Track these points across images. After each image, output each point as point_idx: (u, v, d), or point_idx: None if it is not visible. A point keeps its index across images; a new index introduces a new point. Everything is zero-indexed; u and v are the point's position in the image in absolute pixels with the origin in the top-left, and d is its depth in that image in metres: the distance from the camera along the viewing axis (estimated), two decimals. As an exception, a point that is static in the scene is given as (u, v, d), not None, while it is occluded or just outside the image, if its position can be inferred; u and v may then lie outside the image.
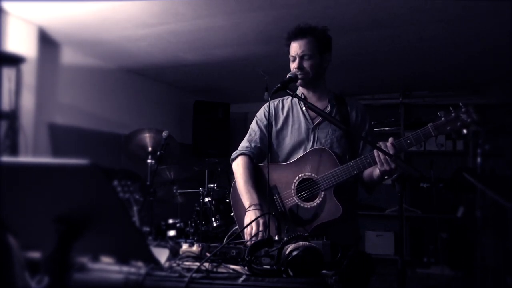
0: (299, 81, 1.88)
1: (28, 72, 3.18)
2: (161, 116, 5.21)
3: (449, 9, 2.96)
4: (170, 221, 3.63)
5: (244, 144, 2.02)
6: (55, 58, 3.83)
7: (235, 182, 1.94)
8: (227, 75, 4.85)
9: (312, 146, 1.88)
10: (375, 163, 1.67)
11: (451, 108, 1.60)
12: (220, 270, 1.23)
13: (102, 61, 4.33)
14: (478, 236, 3.07)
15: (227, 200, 3.73)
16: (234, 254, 1.37)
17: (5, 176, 0.92)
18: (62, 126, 3.82)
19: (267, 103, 1.98)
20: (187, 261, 1.32)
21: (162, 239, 1.51)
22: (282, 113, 1.99)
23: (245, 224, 1.72)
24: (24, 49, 3.20)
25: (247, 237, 1.68)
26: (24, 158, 2.14)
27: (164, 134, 3.32)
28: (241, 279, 1.17)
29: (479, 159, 2.63)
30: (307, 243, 1.25)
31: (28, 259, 1.11)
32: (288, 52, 1.90)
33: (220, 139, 5.37)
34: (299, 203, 1.81)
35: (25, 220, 1.02)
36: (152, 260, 1.04)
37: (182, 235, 3.53)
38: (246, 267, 1.24)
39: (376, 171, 1.72)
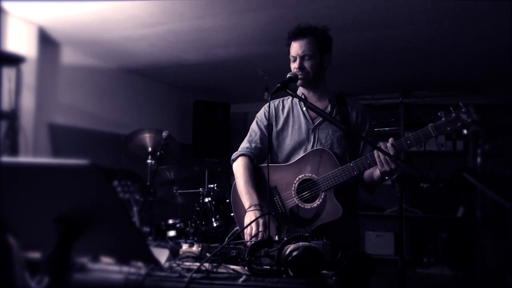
0: (299, 81, 1.88)
1: (28, 72, 3.18)
2: (161, 116, 5.21)
3: (449, 9, 2.97)
4: (170, 221, 3.63)
5: (244, 144, 2.01)
6: (55, 58, 3.83)
7: (235, 182, 1.94)
8: (227, 75, 4.85)
9: (313, 146, 1.88)
10: (375, 164, 1.67)
11: (451, 108, 1.60)
12: (220, 270, 1.23)
13: (102, 61, 4.33)
14: (478, 236, 3.07)
15: (227, 200, 3.73)
16: (234, 254, 1.37)
17: (5, 176, 0.92)
18: (62, 126, 3.82)
19: (268, 103, 1.97)
20: (187, 261, 1.32)
21: (162, 239, 1.51)
22: (283, 114, 1.99)
23: (245, 225, 1.72)
24: (24, 49, 3.20)
25: (247, 237, 1.68)
26: (24, 158, 2.14)
27: (164, 134, 3.32)
28: (241, 279, 1.17)
29: (479, 159, 2.63)
30: (307, 243, 1.25)
31: (28, 259, 1.11)
32: (289, 52, 1.90)
33: (220, 139, 5.37)
34: (300, 204, 1.81)
35: (25, 220, 1.02)
36: (152, 260, 1.04)
37: (182, 235, 3.53)
38: (246, 267, 1.24)
39: (376, 172, 1.71)
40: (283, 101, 2.03)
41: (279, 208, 1.84)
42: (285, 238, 1.33)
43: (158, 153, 3.30)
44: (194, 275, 1.17)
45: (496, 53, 3.86)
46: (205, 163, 4.71)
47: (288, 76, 1.82)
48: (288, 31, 1.90)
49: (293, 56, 1.87)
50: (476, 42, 3.60)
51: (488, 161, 2.72)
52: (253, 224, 1.68)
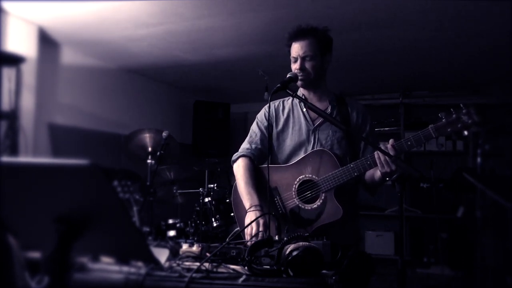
0: (300, 82, 1.88)
1: (28, 72, 3.18)
2: (161, 116, 5.21)
3: (449, 9, 2.96)
4: (170, 221, 3.63)
5: (244, 145, 2.02)
6: (55, 58, 3.83)
7: (236, 183, 1.94)
8: (227, 75, 4.84)
9: (313, 147, 1.88)
10: (376, 165, 1.67)
11: (451, 109, 1.60)
12: (220, 270, 1.24)
13: (102, 61, 4.33)
14: (478, 236, 3.07)
15: (227, 200, 3.73)
16: (234, 254, 1.37)
17: (5, 176, 0.92)
18: (62, 126, 3.82)
19: (268, 104, 1.97)
20: (187, 261, 1.32)
21: (162, 239, 1.51)
22: (283, 115, 1.99)
23: (245, 225, 1.72)
24: (24, 49, 3.19)
25: (247, 237, 1.68)
26: (24, 158, 2.14)
27: (164, 134, 3.32)
28: (241, 279, 1.17)
29: (479, 159, 2.62)
30: (307, 243, 1.25)
31: (28, 259, 1.11)
32: (289, 53, 1.90)
33: (220, 139, 5.37)
34: (300, 205, 1.81)
35: (25, 220, 1.02)
36: (152, 260, 1.04)
37: (182, 235, 3.53)
38: (246, 267, 1.25)
39: (377, 173, 1.72)
40: (283, 102, 2.03)
41: (279, 209, 1.84)
42: (285, 238, 1.33)
43: (158, 153, 3.29)
44: (194, 275, 1.17)
45: (496, 53, 3.85)
46: (205, 163, 4.71)
47: (288, 76, 1.82)
48: (288, 31, 1.89)
49: (294, 57, 1.87)
50: (476, 42, 3.60)
51: (488, 161, 2.72)
52: (254, 224, 1.68)
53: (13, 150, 2.94)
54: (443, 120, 1.60)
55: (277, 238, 1.45)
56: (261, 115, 2.04)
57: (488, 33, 3.38)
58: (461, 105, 1.58)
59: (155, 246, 1.40)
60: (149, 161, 3.45)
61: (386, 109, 5.37)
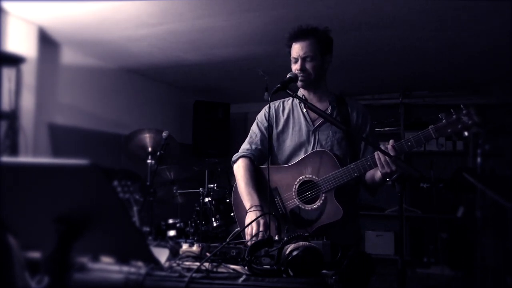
0: (301, 83, 1.88)
1: (28, 72, 3.18)
2: (161, 116, 5.21)
3: (449, 9, 2.96)
4: (170, 221, 3.63)
5: (245, 146, 2.02)
6: (55, 58, 3.83)
7: (236, 184, 1.94)
8: (227, 75, 4.84)
9: (313, 148, 1.88)
10: (376, 166, 1.67)
11: (452, 110, 1.60)
12: (220, 270, 1.23)
13: (102, 61, 4.33)
14: (478, 236, 3.07)
15: (227, 200, 3.74)
16: (234, 254, 1.37)
17: (5, 176, 0.92)
18: (62, 126, 3.82)
19: (268, 105, 1.97)
20: (187, 261, 1.32)
21: (162, 239, 1.51)
22: (283, 115, 1.99)
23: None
24: (24, 49, 3.20)
25: (247, 237, 1.68)
26: (24, 158, 2.14)
27: (164, 134, 3.32)
28: (241, 279, 1.17)
29: (479, 159, 2.62)
30: (307, 243, 1.25)
31: (28, 259, 1.11)
32: (289, 53, 1.90)
33: (220, 139, 5.37)
34: (300, 205, 1.81)
35: (25, 220, 1.02)
36: (152, 260, 1.04)
37: (182, 235, 3.53)
38: (246, 267, 1.25)
39: (377, 174, 1.72)
40: (283, 102, 2.03)
41: (279, 209, 1.84)
42: (285, 238, 1.33)
43: (158, 153, 3.29)
44: (194, 274, 1.17)
45: (496, 53, 3.85)
46: (205, 163, 4.71)
47: (288, 76, 1.82)
48: (288, 31, 1.89)
49: (294, 57, 1.87)
50: (476, 42, 3.60)
51: (488, 161, 2.72)
52: (254, 224, 1.68)
53: (13, 150, 2.94)
54: (443, 121, 1.60)
55: (277, 238, 1.45)
56: (261, 116, 2.04)
57: (488, 33, 3.38)
58: (461, 106, 1.58)
59: (155, 246, 1.40)
60: (149, 161, 3.45)
61: (386, 109, 5.37)
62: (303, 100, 1.83)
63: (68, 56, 3.92)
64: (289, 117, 1.98)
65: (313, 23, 1.88)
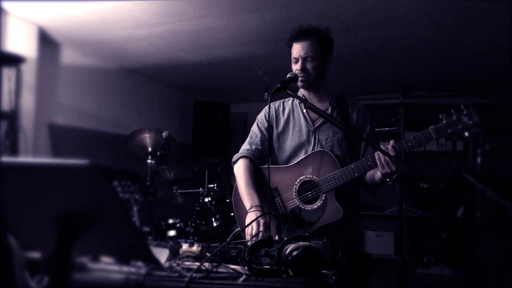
0: (301, 83, 1.88)
1: (28, 72, 3.18)
2: (161, 116, 5.21)
3: (449, 9, 2.96)
4: (170, 221, 3.63)
5: (245, 146, 2.02)
6: (55, 58, 3.83)
7: (236, 184, 1.94)
8: (227, 75, 4.84)
9: (313, 148, 1.88)
10: (376, 166, 1.67)
11: (452, 110, 1.59)
12: (220, 270, 1.23)
13: (102, 61, 4.33)
14: (478, 236, 3.07)
15: (227, 200, 3.74)
16: (234, 254, 1.37)
17: (5, 176, 0.92)
18: (62, 126, 3.82)
19: (268, 105, 1.97)
20: (187, 261, 1.32)
21: (162, 239, 1.51)
22: (283, 116, 1.99)
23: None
24: (24, 49, 3.19)
25: (247, 237, 1.68)
26: (24, 158, 2.14)
27: (164, 134, 3.32)
28: (241, 279, 1.17)
29: (479, 159, 2.62)
30: (307, 243, 1.25)
31: (28, 259, 1.11)
32: (290, 53, 1.90)
33: (220, 139, 5.37)
34: (300, 206, 1.81)
35: (25, 220, 1.02)
36: (152, 260, 1.04)
37: (182, 235, 3.53)
38: (246, 267, 1.24)
39: (377, 174, 1.72)
40: (283, 102, 2.03)
41: (280, 209, 1.84)
42: (285, 238, 1.33)
43: (158, 153, 3.29)
44: (194, 274, 1.17)
45: (496, 53, 3.85)
46: (205, 163, 4.71)
47: (288, 76, 1.82)
48: (288, 31, 1.89)
49: (295, 58, 1.87)
50: (476, 42, 3.60)
51: (488, 161, 2.72)
52: (254, 224, 1.68)
53: (13, 150, 2.94)
54: (444, 121, 1.59)
55: (277, 238, 1.45)
56: (261, 116, 2.04)
57: (488, 33, 3.38)
58: (462, 106, 1.58)
59: (155, 246, 1.40)
60: (149, 161, 3.44)
61: (386, 109, 5.38)
62: (303, 100, 1.83)
63: (68, 56, 3.92)
64: (289, 117, 1.98)
65: (313, 23, 1.88)
